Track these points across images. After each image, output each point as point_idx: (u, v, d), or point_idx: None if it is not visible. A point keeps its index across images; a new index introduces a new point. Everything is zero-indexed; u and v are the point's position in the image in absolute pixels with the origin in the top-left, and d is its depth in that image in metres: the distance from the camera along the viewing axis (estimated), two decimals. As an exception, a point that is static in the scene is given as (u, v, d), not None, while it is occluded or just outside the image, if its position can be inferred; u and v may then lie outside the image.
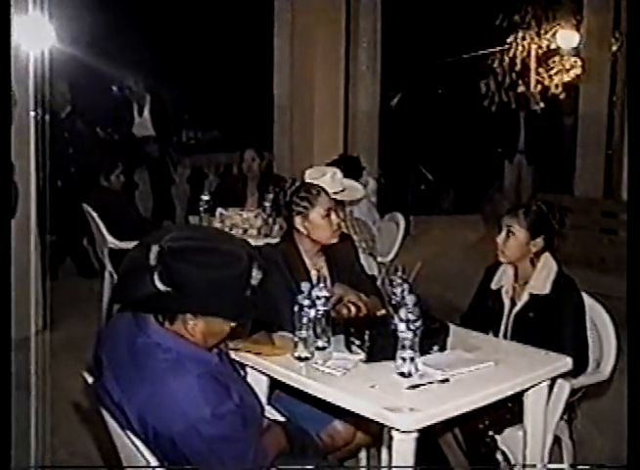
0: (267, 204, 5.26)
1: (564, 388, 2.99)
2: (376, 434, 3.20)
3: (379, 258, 5.27)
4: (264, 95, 8.37)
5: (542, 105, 11.55)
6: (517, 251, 3.32)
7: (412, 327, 2.54)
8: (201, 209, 5.35)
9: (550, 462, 3.06)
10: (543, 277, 3.28)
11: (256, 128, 10.14)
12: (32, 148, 4.53)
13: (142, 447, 2.00)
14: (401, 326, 2.55)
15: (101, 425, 2.24)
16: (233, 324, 2.12)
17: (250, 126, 11.68)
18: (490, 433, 3.06)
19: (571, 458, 3.34)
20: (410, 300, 2.57)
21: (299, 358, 2.75)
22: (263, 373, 2.85)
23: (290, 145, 7.78)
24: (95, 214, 5.61)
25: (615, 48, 9.04)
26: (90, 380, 2.21)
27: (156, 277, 1.97)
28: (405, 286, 2.96)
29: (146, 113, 8.28)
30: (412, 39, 12.61)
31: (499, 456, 3.15)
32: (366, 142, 8.59)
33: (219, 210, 5.32)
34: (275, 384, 2.94)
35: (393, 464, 2.41)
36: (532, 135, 10.32)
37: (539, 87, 12.42)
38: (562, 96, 12.24)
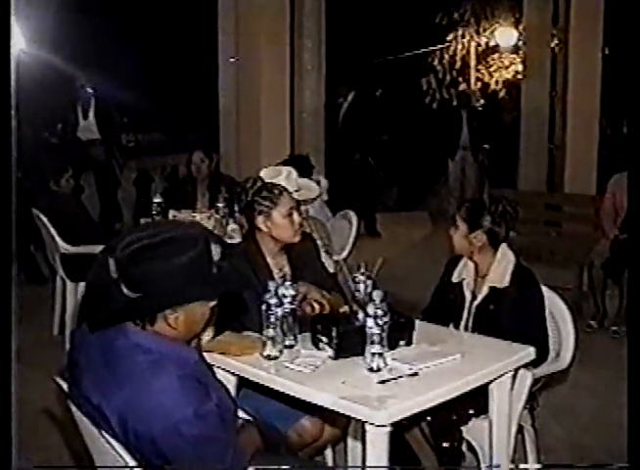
0: (221, 204, 5.23)
1: (526, 377, 3.04)
2: (343, 430, 3.24)
3: (333, 257, 5.30)
4: (209, 96, 8.32)
5: (483, 101, 11.75)
6: (460, 244, 3.41)
7: (380, 322, 2.56)
8: (153, 212, 5.30)
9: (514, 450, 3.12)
10: (501, 270, 3.34)
11: (202, 129, 10.09)
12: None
13: (122, 451, 1.98)
14: (369, 322, 2.57)
15: (67, 431, 2.21)
16: (212, 304, 2.11)
17: (194, 128, 11.61)
18: (456, 424, 3.11)
19: (534, 446, 3.42)
20: (377, 295, 2.59)
21: (268, 357, 2.76)
22: (232, 373, 2.85)
23: (236, 145, 7.73)
24: (45, 219, 5.50)
25: (553, 44, 9.21)
26: (64, 386, 2.18)
27: (123, 287, 1.98)
28: (369, 282, 2.97)
29: (91, 116, 8.20)
30: (355, 38, 12.68)
31: (464, 447, 3.20)
32: (312, 141, 8.59)
33: (172, 212, 5.30)
34: (242, 383, 2.94)
35: (368, 459, 2.43)
36: (474, 131, 10.45)
37: (479, 84, 12.63)
38: (502, 93, 12.47)
